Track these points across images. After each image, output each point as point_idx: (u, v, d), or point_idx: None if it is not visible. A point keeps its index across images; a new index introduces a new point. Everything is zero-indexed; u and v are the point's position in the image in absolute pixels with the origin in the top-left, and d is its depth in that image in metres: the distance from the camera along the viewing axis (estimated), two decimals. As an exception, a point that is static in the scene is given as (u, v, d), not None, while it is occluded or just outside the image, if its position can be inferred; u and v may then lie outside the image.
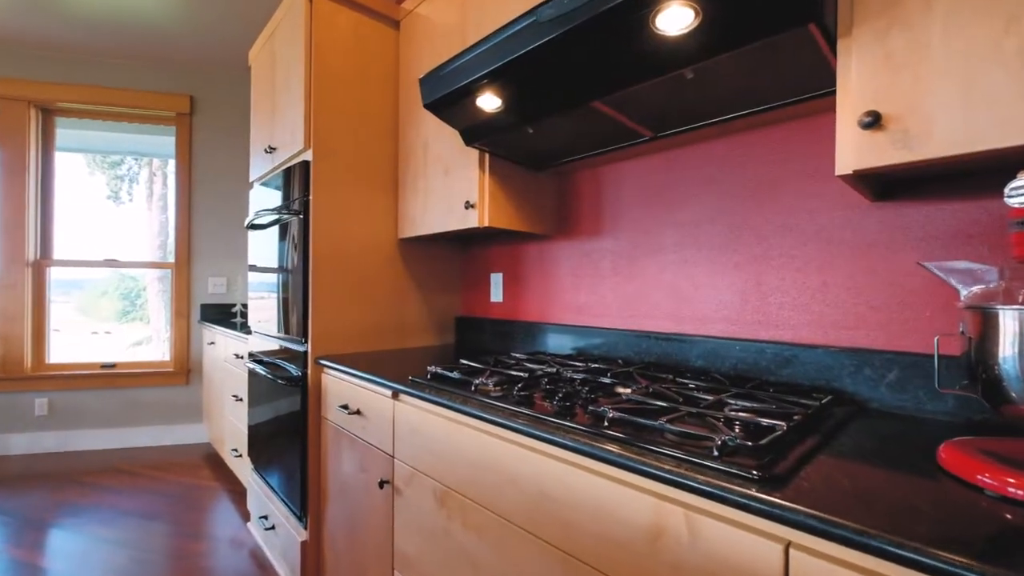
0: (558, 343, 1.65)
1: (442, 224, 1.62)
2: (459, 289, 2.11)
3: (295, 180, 1.74)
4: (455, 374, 1.18)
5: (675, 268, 1.36)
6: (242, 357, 2.49)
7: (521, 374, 1.17)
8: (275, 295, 1.91)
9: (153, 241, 3.57)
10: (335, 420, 1.56)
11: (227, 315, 3.51)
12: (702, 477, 0.63)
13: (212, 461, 3.08)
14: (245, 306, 3.53)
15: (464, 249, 2.11)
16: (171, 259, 3.48)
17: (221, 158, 3.51)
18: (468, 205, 1.49)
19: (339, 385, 1.54)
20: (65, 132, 3.38)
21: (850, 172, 0.77)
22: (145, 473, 2.88)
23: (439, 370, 1.23)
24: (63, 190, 3.38)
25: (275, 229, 1.91)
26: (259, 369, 1.89)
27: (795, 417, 0.80)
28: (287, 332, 1.79)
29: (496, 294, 1.93)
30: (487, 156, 1.48)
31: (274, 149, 1.93)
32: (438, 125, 1.64)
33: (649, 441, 0.73)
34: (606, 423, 0.81)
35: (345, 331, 1.74)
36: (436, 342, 2.02)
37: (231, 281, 3.54)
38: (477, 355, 1.70)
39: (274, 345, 1.94)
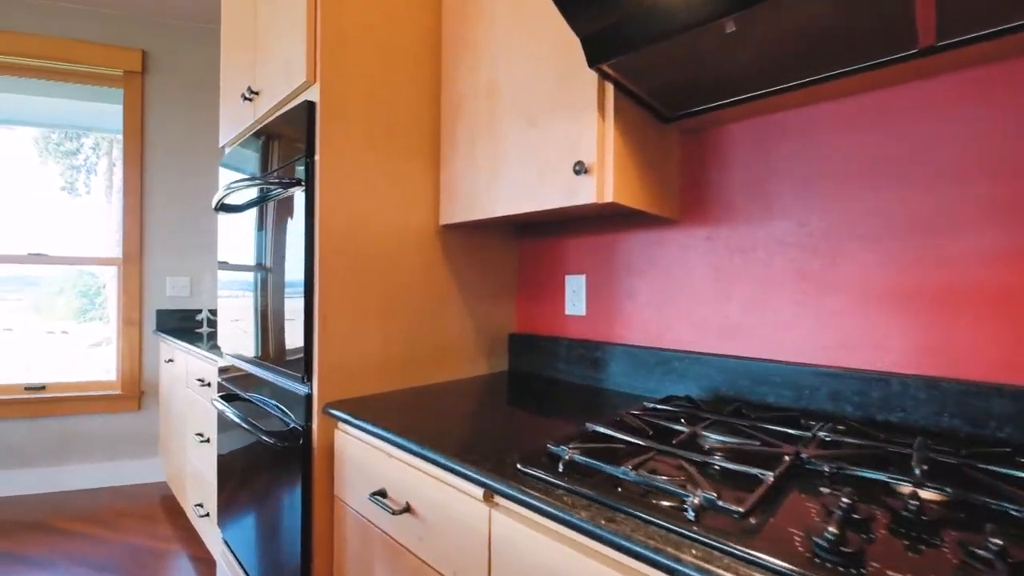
0: (689, 380, 1.12)
1: (527, 201, 1.05)
2: (512, 296, 1.55)
3: (290, 135, 1.15)
4: (631, 475, 0.63)
5: (938, 272, 0.84)
6: (209, 384, 1.88)
7: (765, 473, 0.62)
8: (258, 306, 1.32)
9: (112, 236, 2.88)
10: (362, 511, 0.98)
11: (191, 323, 2.86)
12: None
13: (170, 508, 2.44)
14: (214, 312, 2.88)
15: (519, 240, 1.55)
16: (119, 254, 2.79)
17: (182, 129, 2.84)
18: (579, 169, 0.93)
19: (368, 454, 0.97)
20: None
21: None
22: (81, 531, 2.22)
23: (581, 456, 0.67)
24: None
25: (256, 211, 1.31)
26: (232, 415, 1.30)
27: None
28: (277, 362, 1.20)
29: (575, 304, 1.38)
30: (611, 90, 0.93)
31: (256, 93, 1.33)
32: (514, 53, 1.08)
33: None
34: None
35: (365, 360, 1.16)
36: (485, 370, 1.46)
37: (196, 280, 2.88)
38: (558, 393, 1.15)
39: (255, 376, 1.34)
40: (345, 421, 1.01)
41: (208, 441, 1.88)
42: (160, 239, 2.81)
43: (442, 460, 0.76)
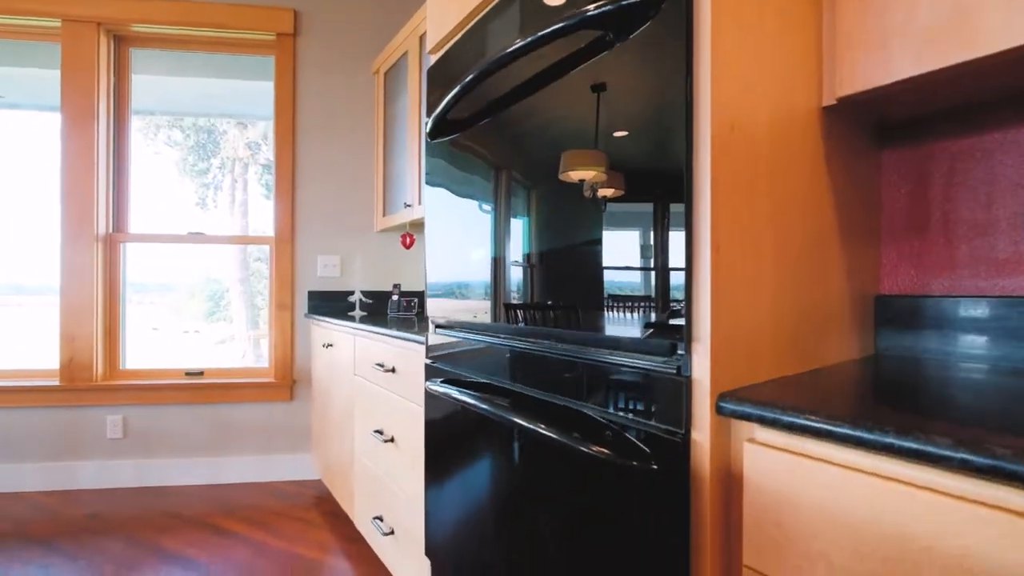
0: None
1: None
2: (874, 238, 0.97)
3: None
4: None
5: None
6: (392, 370, 1.51)
7: None
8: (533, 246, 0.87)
9: (235, 224, 2.78)
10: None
11: (342, 304, 2.60)
12: None
13: (328, 511, 2.15)
14: (367, 294, 2.60)
15: (880, 151, 0.98)
16: (266, 234, 2.61)
17: (333, 95, 2.60)
18: None
19: (864, 488, 0.45)
20: (143, 85, 2.60)
21: None
22: (242, 533, 1.98)
23: None
24: (149, 170, 2.62)
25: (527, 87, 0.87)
26: (482, 406, 0.86)
27: None
28: (590, 327, 0.74)
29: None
30: None
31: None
32: None
33: None
34: None
35: (757, 325, 0.66)
36: (856, 352, 0.91)
37: (346, 260, 2.62)
38: None
39: (522, 350, 0.90)
40: (786, 426, 0.51)
41: (392, 441, 1.51)
42: (311, 215, 2.58)
43: None
